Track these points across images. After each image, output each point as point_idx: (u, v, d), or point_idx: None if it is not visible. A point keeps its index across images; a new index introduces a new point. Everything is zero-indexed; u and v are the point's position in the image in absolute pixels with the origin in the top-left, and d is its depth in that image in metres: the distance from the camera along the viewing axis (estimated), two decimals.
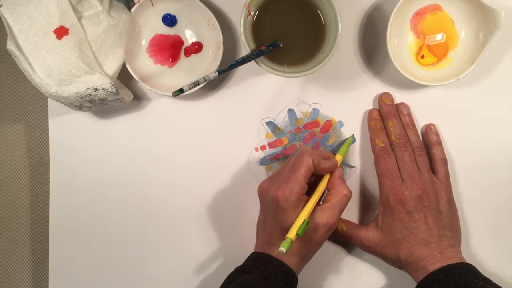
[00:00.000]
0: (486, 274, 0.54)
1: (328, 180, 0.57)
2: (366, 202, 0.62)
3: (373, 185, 0.61)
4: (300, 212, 0.53)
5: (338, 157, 0.59)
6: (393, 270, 0.61)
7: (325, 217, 0.54)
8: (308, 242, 0.54)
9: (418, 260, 0.55)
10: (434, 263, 0.54)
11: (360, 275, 0.63)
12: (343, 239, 0.61)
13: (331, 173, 0.57)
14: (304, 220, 0.51)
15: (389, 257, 0.58)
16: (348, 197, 0.56)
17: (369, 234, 0.59)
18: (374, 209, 0.62)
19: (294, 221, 0.52)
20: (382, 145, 0.59)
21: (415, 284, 0.55)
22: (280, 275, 0.53)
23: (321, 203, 0.56)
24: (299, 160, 0.54)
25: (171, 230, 0.63)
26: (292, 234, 0.50)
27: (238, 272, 0.55)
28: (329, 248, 0.63)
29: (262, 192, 0.56)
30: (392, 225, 0.57)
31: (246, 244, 0.63)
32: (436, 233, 0.56)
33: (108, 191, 0.63)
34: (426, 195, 0.57)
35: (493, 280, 0.53)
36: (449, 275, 0.52)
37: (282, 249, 0.48)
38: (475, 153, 0.62)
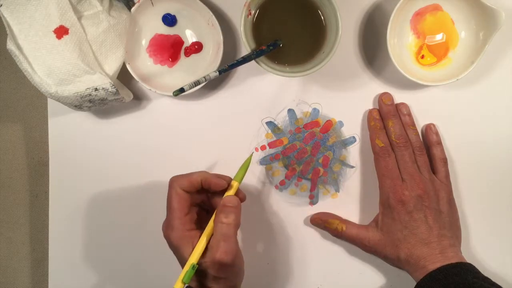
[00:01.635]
0: (486, 274, 0.54)
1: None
2: (366, 202, 0.62)
3: (373, 185, 0.61)
4: (191, 253, 0.50)
5: (235, 183, 0.55)
6: (393, 270, 0.61)
7: (214, 252, 0.50)
8: (218, 279, 0.51)
9: (418, 260, 0.55)
10: (434, 263, 0.54)
11: (360, 275, 0.63)
12: (344, 239, 0.61)
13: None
14: (191, 265, 0.49)
15: (389, 257, 0.58)
16: (229, 224, 0.50)
17: (369, 234, 0.59)
18: (374, 209, 0.62)
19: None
20: (382, 145, 0.59)
21: (415, 283, 0.55)
22: None
23: None
24: (168, 194, 0.53)
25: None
26: (178, 284, 0.48)
27: None
28: (329, 248, 0.63)
29: (163, 232, 0.54)
30: (392, 225, 0.57)
31: (245, 244, 0.63)
32: (436, 232, 0.56)
33: (108, 191, 0.63)
34: (426, 195, 0.57)
35: (493, 280, 0.53)
36: (448, 275, 0.52)
37: (184, 279, 0.47)
38: (475, 153, 0.62)
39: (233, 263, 0.50)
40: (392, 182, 0.58)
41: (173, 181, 0.53)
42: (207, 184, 0.54)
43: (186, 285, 0.48)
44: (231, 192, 0.54)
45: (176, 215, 0.52)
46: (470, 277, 0.52)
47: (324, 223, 0.61)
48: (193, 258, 0.50)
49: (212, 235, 0.52)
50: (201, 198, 0.56)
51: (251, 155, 0.57)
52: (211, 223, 0.52)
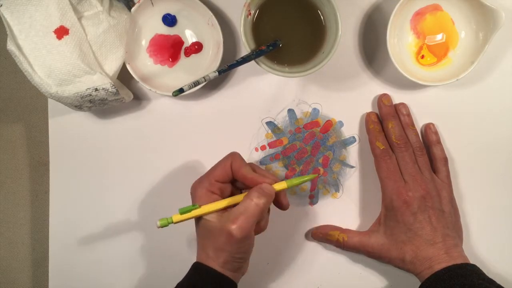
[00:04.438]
0: (486, 272, 0.54)
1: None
2: (366, 201, 0.62)
3: (373, 185, 0.61)
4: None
5: (282, 183, 0.53)
6: (393, 271, 0.61)
7: (229, 221, 0.49)
8: (217, 246, 0.50)
9: (423, 261, 0.55)
10: (440, 263, 0.54)
11: (360, 275, 0.63)
12: (347, 249, 0.61)
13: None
14: (193, 204, 0.51)
15: (394, 260, 0.57)
16: (257, 204, 0.49)
17: (372, 240, 0.59)
18: (374, 208, 0.61)
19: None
20: (383, 147, 0.59)
21: (415, 284, 0.55)
22: (207, 279, 0.51)
23: None
24: (220, 161, 0.54)
25: (171, 230, 0.63)
26: (176, 215, 0.50)
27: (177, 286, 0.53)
28: (329, 248, 0.63)
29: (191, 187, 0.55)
30: (396, 227, 0.57)
31: None
32: (440, 233, 0.56)
33: (108, 191, 0.63)
34: (429, 195, 0.57)
35: (494, 279, 0.53)
36: (453, 275, 0.52)
37: (158, 222, 0.49)
38: (475, 153, 0.62)
39: (241, 241, 0.49)
40: (395, 184, 0.58)
41: (232, 156, 0.54)
42: (253, 183, 0.53)
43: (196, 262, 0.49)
44: (279, 185, 0.53)
45: (211, 177, 0.52)
46: (476, 279, 0.52)
47: (325, 236, 0.61)
48: (205, 208, 0.50)
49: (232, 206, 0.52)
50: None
51: (318, 175, 0.60)
52: (238, 198, 0.52)
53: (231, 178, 0.53)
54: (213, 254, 0.51)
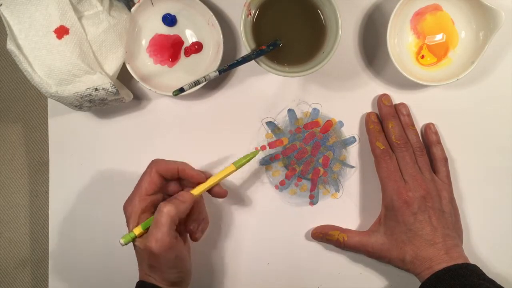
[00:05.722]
0: (486, 273, 0.54)
1: None
2: (366, 201, 0.62)
3: (373, 185, 0.61)
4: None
5: (201, 186, 0.55)
6: (393, 271, 0.61)
7: (147, 238, 0.50)
8: (149, 265, 0.52)
9: (424, 261, 0.55)
10: (440, 263, 0.54)
11: (360, 275, 0.62)
12: (347, 249, 0.61)
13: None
14: (131, 232, 0.52)
15: (394, 260, 0.57)
16: (164, 212, 0.50)
17: (372, 240, 0.59)
18: (374, 208, 0.61)
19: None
20: (383, 147, 0.59)
21: (415, 284, 0.55)
22: None
23: None
24: (143, 174, 0.55)
25: None
26: (137, 229, 0.52)
27: None
28: (329, 248, 0.63)
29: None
30: (396, 227, 0.57)
31: (245, 245, 0.63)
32: (440, 233, 0.56)
33: (108, 191, 0.63)
34: (429, 195, 0.57)
35: (494, 279, 0.53)
36: (454, 275, 0.52)
37: (121, 240, 0.51)
38: (475, 153, 0.62)
39: (163, 254, 0.50)
40: (395, 184, 0.57)
41: (153, 162, 0.55)
42: (184, 175, 0.55)
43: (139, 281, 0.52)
44: (199, 188, 0.55)
45: (139, 192, 0.53)
46: (476, 279, 0.52)
47: (325, 236, 0.61)
48: (136, 229, 0.52)
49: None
50: (175, 189, 0.57)
51: (258, 151, 0.59)
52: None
53: (160, 187, 0.55)
54: (149, 272, 0.52)
